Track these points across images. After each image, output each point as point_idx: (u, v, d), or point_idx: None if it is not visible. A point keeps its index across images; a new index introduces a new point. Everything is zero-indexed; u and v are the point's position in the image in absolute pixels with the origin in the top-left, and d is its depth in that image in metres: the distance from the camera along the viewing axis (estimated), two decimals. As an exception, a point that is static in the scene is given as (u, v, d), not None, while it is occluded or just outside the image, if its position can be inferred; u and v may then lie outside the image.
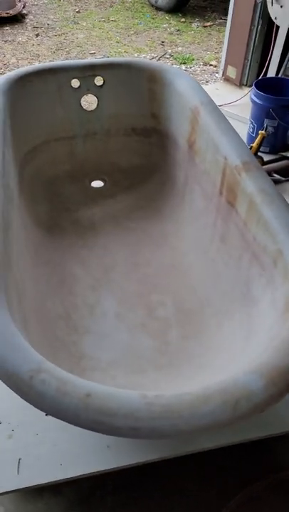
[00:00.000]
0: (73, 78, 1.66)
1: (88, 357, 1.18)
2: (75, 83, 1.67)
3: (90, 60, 1.70)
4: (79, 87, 1.68)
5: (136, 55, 4.29)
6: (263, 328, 1.01)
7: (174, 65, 4.10)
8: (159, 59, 4.20)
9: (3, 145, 1.34)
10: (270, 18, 2.84)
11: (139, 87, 1.70)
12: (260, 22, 3.01)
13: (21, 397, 0.72)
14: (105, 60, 1.69)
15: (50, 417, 1.20)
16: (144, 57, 4.27)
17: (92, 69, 1.66)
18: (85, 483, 1.24)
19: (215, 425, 0.70)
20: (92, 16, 5.12)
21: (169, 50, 4.38)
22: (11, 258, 1.05)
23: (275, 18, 2.81)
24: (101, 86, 1.70)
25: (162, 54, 4.27)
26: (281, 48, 2.77)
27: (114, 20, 5.03)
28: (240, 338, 1.13)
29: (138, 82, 1.69)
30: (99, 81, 1.70)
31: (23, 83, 1.58)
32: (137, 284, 1.42)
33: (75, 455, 1.13)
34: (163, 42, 4.55)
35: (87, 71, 1.66)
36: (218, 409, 0.69)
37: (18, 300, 1.06)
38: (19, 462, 1.12)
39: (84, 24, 4.90)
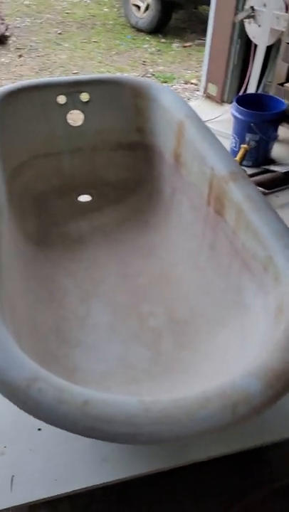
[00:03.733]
0: (59, 95, 1.68)
1: (81, 369, 1.17)
2: (61, 99, 1.70)
3: (75, 76, 1.73)
4: (65, 103, 1.70)
5: (118, 74, 4.37)
6: (257, 332, 1.02)
7: (156, 84, 4.18)
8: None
9: None
10: (248, 36, 2.94)
11: (125, 102, 1.73)
12: (239, 41, 3.10)
13: (18, 406, 0.71)
14: (91, 76, 1.72)
15: (43, 432, 1.19)
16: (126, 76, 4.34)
17: (78, 85, 1.69)
18: (81, 498, 1.21)
19: (214, 429, 0.70)
20: (74, 37, 5.21)
21: (151, 70, 4.48)
22: (2, 271, 1.05)
23: (253, 37, 2.91)
24: (87, 102, 1.73)
25: (144, 73, 4.35)
26: (260, 66, 2.85)
27: (96, 41, 5.12)
28: (235, 344, 1.14)
29: (124, 97, 1.72)
30: (85, 97, 1.72)
31: (8, 100, 1.59)
32: (127, 295, 1.42)
33: (70, 469, 1.11)
34: (144, 61, 4.65)
35: (72, 87, 1.69)
36: (218, 413, 0.70)
37: (10, 313, 1.05)
38: (12, 479, 1.10)
39: (66, 45, 4.98)
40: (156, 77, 4.31)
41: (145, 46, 5.01)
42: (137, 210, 1.75)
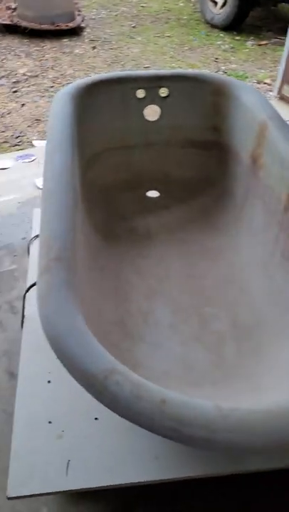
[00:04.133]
0: (139, 88, 1.69)
1: (143, 366, 1.17)
2: (140, 93, 1.70)
3: (157, 71, 1.72)
4: (144, 97, 1.71)
5: (190, 70, 4.33)
6: None
7: (228, 82, 4.11)
8: (212, 75, 4.22)
9: (73, 147, 1.37)
10: None
11: (204, 99, 1.71)
12: None
13: (95, 397, 0.72)
14: (172, 71, 1.71)
15: (99, 422, 1.21)
16: (198, 72, 4.30)
17: (159, 80, 1.68)
18: (129, 492, 1.22)
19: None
20: (147, 31, 5.22)
21: (223, 67, 4.41)
22: (77, 261, 1.07)
23: None
24: (165, 97, 1.72)
25: (216, 70, 4.29)
26: None
27: (169, 36, 5.11)
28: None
29: (203, 94, 1.70)
30: (164, 92, 1.72)
31: (90, 91, 1.62)
32: (191, 296, 1.41)
33: (123, 462, 1.12)
34: (217, 59, 4.58)
35: (153, 82, 1.68)
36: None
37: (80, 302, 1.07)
38: (68, 464, 1.12)
39: (139, 39, 5.00)
40: (228, 75, 4.23)
41: (218, 43, 4.94)
42: (205, 211, 1.73)
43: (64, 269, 0.88)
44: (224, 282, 1.44)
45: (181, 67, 4.38)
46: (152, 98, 1.71)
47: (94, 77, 1.65)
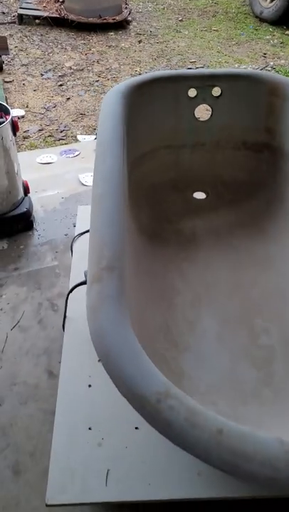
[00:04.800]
0: (191, 87, 1.63)
1: (188, 376, 1.13)
2: (192, 92, 1.65)
3: (210, 69, 1.67)
4: (195, 96, 1.65)
5: (236, 65, 4.23)
6: None
7: (276, 79, 3.98)
8: (260, 71, 4.09)
9: (123, 149, 1.34)
10: None
11: (258, 99, 1.64)
12: None
13: (147, 421, 0.69)
14: (226, 70, 1.65)
15: (140, 432, 1.18)
16: (245, 68, 4.18)
17: (212, 79, 1.62)
18: (169, 508, 1.19)
19: None
20: (194, 25, 5.12)
21: (271, 63, 4.27)
22: (127, 269, 1.04)
23: None
24: (218, 97, 1.66)
25: (264, 66, 4.16)
26: None
27: (216, 30, 5.00)
28: None
29: (257, 94, 1.63)
30: (216, 92, 1.66)
31: (142, 89, 1.58)
32: (239, 306, 1.36)
33: (164, 476, 1.08)
34: (265, 54, 4.44)
35: (206, 81, 1.63)
36: None
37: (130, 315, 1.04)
38: (107, 473, 1.10)
39: (186, 33, 4.91)
40: (277, 71, 4.09)
41: (267, 37, 4.79)
42: (254, 215, 1.66)
43: (116, 280, 0.84)
44: (274, 294, 1.38)
45: (227, 63, 4.28)
46: (204, 97, 1.65)
47: (146, 75, 1.61)
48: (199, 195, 1.80)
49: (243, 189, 1.76)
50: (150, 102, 1.62)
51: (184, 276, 1.45)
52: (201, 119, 1.71)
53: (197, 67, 4.12)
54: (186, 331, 1.27)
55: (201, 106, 1.70)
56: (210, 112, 1.70)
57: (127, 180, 1.51)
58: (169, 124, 1.69)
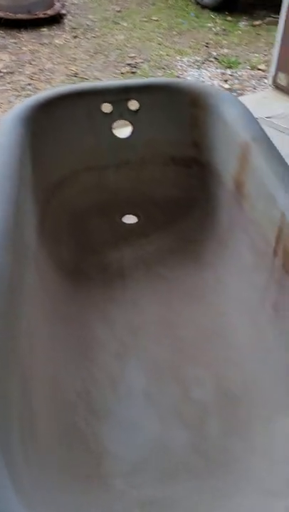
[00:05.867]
0: (104, 102, 1.46)
1: (110, 455, 0.98)
2: (107, 108, 1.47)
3: (123, 81, 1.50)
4: (111, 112, 1.48)
5: (178, 57, 4.06)
6: None
7: (219, 70, 3.84)
8: (203, 62, 3.94)
9: (19, 185, 1.16)
10: None
11: (180, 111, 1.48)
12: None
13: None
14: (141, 81, 1.49)
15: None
16: (188, 60, 4.02)
17: (126, 92, 1.46)
18: None
19: None
20: (133, 15, 4.91)
21: (214, 53, 4.12)
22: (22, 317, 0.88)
23: None
24: (136, 111, 1.49)
25: (206, 57, 4.01)
26: None
27: (157, 20, 4.80)
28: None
29: (178, 106, 1.47)
30: (133, 105, 1.49)
31: (47, 109, 1.39)
32: (170, 352, 1.21)
33: None
34: (208, 43, 4.29)
35: (120, 94, 1.46)
36: None
37: (23, 379, 0.88)
38: None
39: (125, 24, 4.69)
40: (220, 62, 3.95)
41: (209, 25, 4.63)
42: (188, 239, 1.52)
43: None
44: (209, 334, 1.24)
45: (169, 55, 4.10)
46: (121, 112, 1.48)
47: (50, 92, 1.42)
48: (129, 219, 1.64)
49: (176, 208, 1.61)
50: (60, 122, 1.44)
51: (108, 321, 1.29)
52: (121, 136, 1.54)
53: (137, 63, 3.93)
54: (108, 392, 1.11)
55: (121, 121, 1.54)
56: (131, 128, 1.53)
57: (36, 216, 1.34)
58: (86, 144, 1.52)
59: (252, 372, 1.12)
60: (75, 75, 3.68)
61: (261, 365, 1.11)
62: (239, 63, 3.87)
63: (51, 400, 1.04)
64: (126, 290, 1.38)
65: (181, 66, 3.91)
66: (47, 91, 1.43)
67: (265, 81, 3.43)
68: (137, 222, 1.62)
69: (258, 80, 3.62)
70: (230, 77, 3.71)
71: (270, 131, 1.30)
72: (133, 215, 1.63)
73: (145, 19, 4.81)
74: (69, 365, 1.16)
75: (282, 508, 0.81)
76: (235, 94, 3.43)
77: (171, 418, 1.07)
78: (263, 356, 1.11)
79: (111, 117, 1.49)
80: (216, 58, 4.00)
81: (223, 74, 3.76)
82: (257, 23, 4.58)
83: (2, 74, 3.61)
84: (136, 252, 1.52)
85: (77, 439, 1.00)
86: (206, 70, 3.84)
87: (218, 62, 3.94)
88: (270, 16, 4.63)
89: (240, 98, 3.21)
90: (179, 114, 1.48)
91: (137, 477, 0.95)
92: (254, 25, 4.55)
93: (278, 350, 1.07)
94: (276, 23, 3.04)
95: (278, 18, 2.97)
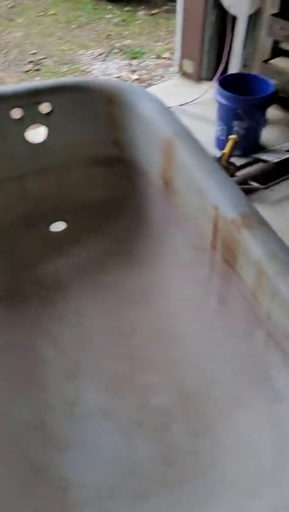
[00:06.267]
0: (13, 108, 1.36)
1: (76, 485, 0.92)
2: (17, 113, 1.38)
3: (32, 83, 1.41)
4: (22, 117, 1.39)
5: (81, 51, 3.95)
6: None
7: (125, 61, 3.81)
8: (107, 55, 3.88)
9: None
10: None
11: (96, 111, 1.43)
12: (214, 12, 2.75)
13: None
14: (51, 82, 1.41)
15: None
16: (91, 53, 3.93)
17: (36, 95, 1.37)
18: None
19: None
20: (28, 10, 4.70)
21: (117, 44, 4.06)
22: None
23: (229, 6, 2.55)
24: (48, 114, 1.41)
25: (110, 49, 3.94)
26: (242, 42, 2.52)
27: (54, 14, 4.63)
28: (263, 436, 0.90)
29: (93, 105, 1.41)
30: (45, 108, 1.41)
31: None
32: (123, 362, 1.17)
33: None
34: (109, 35, 4.22)
35: (29, 98, 1.37)
36: None
37: None
38: None
39: (20, 21, 4.48)
40: (125, 53, 3.91)
41: (108, 16, 4.55)
42: (122, 239, 1.47)
43: None
44: (159, 337, 1.21)
45: (71, 49, 3.98)
46: (32, 117, 1.40)
47: None
48: (58, 226, 1.56)
49: (105, 210, 1.56)
50: None
51: (54, 339, 1.22)
52: (35, 142, 1.46)
53: (39, 60, 3.77)
54: (64, 417, 1.05)
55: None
56: (46, 132, 1.45)
57: None
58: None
59: (207, 369, 1.11)
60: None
61: (215, 361, 1.10)
62: (144, 53, 3.85)
63: (3, 435, 0.96)
64: (67, 303, 1.31)
65: (85, 60, 3.82)
66: None
67: (171, 69, 3.45)
68: (66, 229, 1.55)
69: (165, 68, 3.62)
70: (137, 67, 3.68)
71: (184, 119, 1.29)
72: (61, 221, 1.56)
73: (42, 14, 4.62)
74: (16, 396, 1.07)
75: (259, 506, 0.80)
76: (144, 84, 3.41)
77: (135, 432, 1.03)
78: (216, 351, 1.11)
79: (22, 123, 1.39)
80: (120, 50, 3.95)
81: (129, 65, 3.72)
82: (155, 11, 4.58)
83: None
84: (70, 261, 1.45)
85: (35, 474, 0.93)
86: (112, 62, 3.78)
87: (123, 53, 3.89)
88: (167, 4, 4.66)
89: (151, 88, 3.20)
90: (95, 114, 1.42)
91: (108, 502, 0.91)
92: (152, 14, 4.55)
93: (229, 343, 1.07)
94: (174, 11, 3.05)
95: (175, 5, 2.99)
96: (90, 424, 1.04)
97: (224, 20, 2.65)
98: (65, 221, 1.57)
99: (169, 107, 1.28)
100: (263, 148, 2.48)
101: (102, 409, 1.07)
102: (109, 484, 0.94)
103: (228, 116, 2.33)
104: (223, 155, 2.18)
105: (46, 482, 0.92)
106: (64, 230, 1.55)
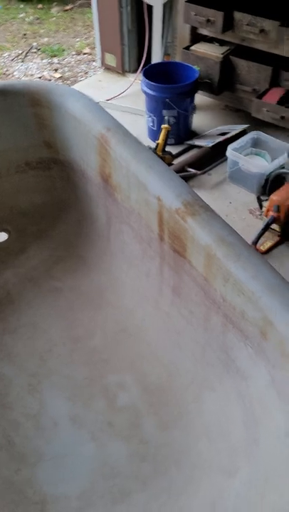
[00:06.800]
0: None
1: (52, 498, 0.90)
2: None
3: None
4: None
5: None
6: (266, 414, 0.80)
7: (45, 60, 3.72)
8: (26, 55, 3.77)
9: None
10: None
11: (22, 113, 1.37)
12: (129, 2, 2.74)
13: None
14: None
15: None
16: (9, 55, 3.81)
17: None
18: None
19: None
20: None
21: (34, 43, 3.95)
22: None
23: (145, -4, 2.55)
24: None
25: (28, 49, 3.83)
26: (160, 31, 2.53)
27: None
28: (234, 416, 0.92)
29: (18, 108, 1.36)
30: None
31: None
32: (84, 367, 1.15)
33: None
34: (25, 34, 4.10)
35: None
36: None
37: None
38: None
39: None
40: (44, 51, 3.81)
41: (21, 16, 4.42)
42: (68, 242, 1.44)
43: None
44: (118, 335, 1.20)
45: (-13, 53, 3.82)
46: None
47: None
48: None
49: (47, 214, 1.51)
50: None
51: (10, 355, 1.17)
52: None
53: None
54: (31, 432, 1.01)
55: None
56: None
57: None
58: None
59: (170, 360, 1.12)
60: None
61: (177, 350, 1.11)
62: (63, 50, 3.77)
63: None
64: (20, 315, 1.27)
65: (4, 62, 3.69)
66: None
67: (94, 63, 3.42)
68: (8, 239, 1.49)
69: (87, 64, 3.57)
70: (58, 65, 3.61)
71: (113, 114, 1.27)
72: (3, 231, 1.50)
73: None
74: (-20, 419, 1.02)
75: (238, 483, 0.82)
76: (68, 82, 3.35)
77: (105, 435, 1.02)
78: (176, 340, 1.11)
79: None
80: (38, 49, 3.85)
81: (50, 64, 3.64)
82: (68, 7, 4.50)
83: None
84: (18, 272, 1.40)
85: (11, 493, 0.90)
86: (32, 62, 3.68)
87: (42, 52, 3.79)
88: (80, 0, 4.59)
89: (76, 85, 3.15)
90: (22, 117, 1.37)
91: (88, 509, 0.89)
92: (66, 10, 4.47)
93: (189, 331, 1.07)
94: (89, 5, 3.02)
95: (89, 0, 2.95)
96: (58, 434, 1.01)
97: (141, 11, 2.64)
98: (6, 231, 1.51)
99: (97, 103, 1.26)
100: (195, 134, 2.52)
101: (68, 418, 1.04)
102: (86, 491, 0.92)
103: (157, 107, 2.34)
104: (157, 145, 2.19)
105: (23, 500, 0.89)
106: (6, 240, 1.49)
